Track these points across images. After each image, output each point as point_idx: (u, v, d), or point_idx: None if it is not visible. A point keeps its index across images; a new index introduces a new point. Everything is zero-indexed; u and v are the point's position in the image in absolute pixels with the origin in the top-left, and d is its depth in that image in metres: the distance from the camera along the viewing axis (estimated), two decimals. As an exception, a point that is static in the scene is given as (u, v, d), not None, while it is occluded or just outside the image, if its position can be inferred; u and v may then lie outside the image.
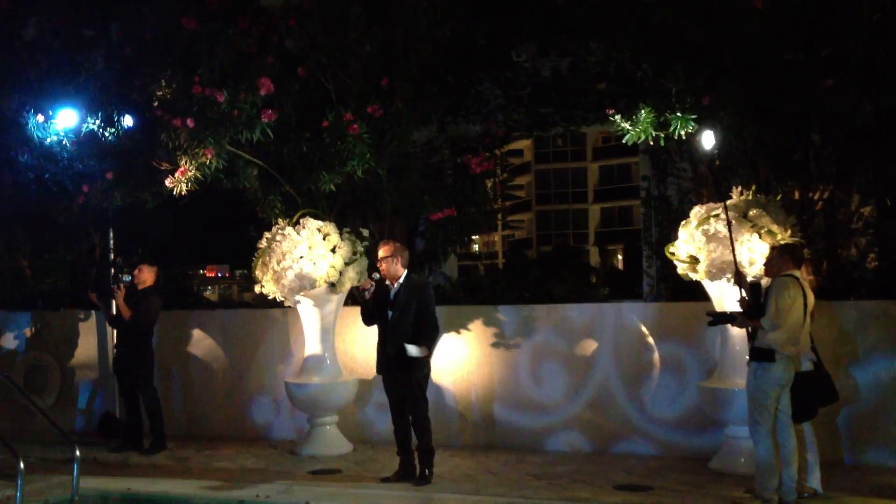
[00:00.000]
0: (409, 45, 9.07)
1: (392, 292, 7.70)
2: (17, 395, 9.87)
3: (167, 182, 8.82)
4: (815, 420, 6.96)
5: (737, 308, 6.87)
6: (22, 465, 6.78)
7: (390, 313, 7.66)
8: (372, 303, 7.73)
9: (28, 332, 11.06)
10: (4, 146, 10.06)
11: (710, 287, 7.83)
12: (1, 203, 10.64)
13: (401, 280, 7.71)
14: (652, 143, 8.13)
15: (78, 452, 7.37)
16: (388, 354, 7.65)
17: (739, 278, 6.89)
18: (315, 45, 8.83)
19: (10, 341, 11.16)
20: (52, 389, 10.80)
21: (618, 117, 7.96)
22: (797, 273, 6.70)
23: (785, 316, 6.48)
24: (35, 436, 9.34)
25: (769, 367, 6.57)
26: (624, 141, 8.19)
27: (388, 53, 9.04)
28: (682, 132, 7.68)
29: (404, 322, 7.61)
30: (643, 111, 7.79)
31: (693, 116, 7.63)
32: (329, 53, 8.90)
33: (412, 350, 7.51)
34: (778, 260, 6.78)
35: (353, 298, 9.34)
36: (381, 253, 7.75)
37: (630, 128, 7.91)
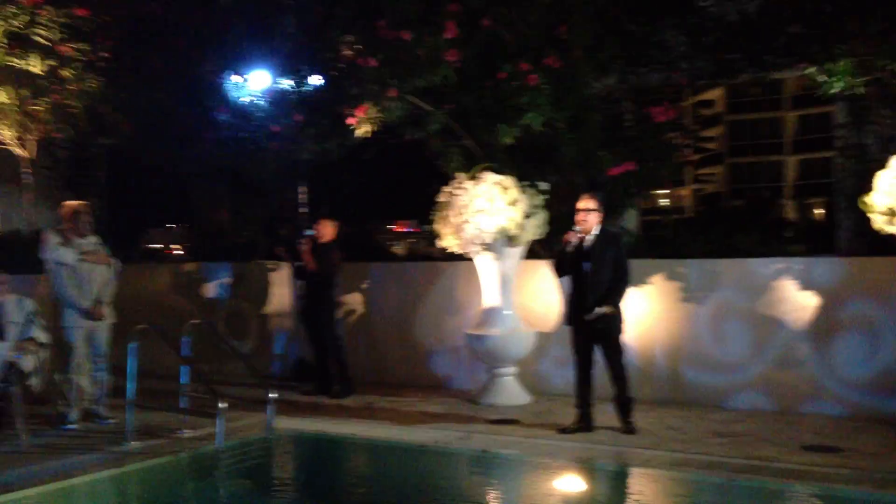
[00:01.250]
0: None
1: (587, 245, 7.69)
2: (218, 340, 10.57)
3: (349, 121, 9.00)
4: None
5: None
6: (222, 404, 7.30)
7: (587, 265, 7.65)
8: (568, 254, 7.75)
9: (227, 281, 11.76)
10: (205, 106, 10.68)
11: (909, 241, 7.34)
12: (203, 160, 11.33)
13: (595, 232, 7.70)
14: (851, 93, 7.64)
15: (273, 395, 7.85)
16: (585, 306, 7.65)
17: None
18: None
19: (212, 290, 11.91)
20: (251, 336, 11.47)
21: (812, 69, 7.51)
22: None
23: None
24: (235, 378, 9.96)
25: None
26: (821, 94, 7.75)
27: (565, 2, 8.89)
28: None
29: (602, 274, 7.63)
30: (841, 62, 7.31)
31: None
32: (508, 3, 8.85)
33: (599, 310, 7.53)
34: None
35: (532, 252, 9.37)
36: (584, 204, 7.72)
37: (826, 78, 7.46)
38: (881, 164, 7.68)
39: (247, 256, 11.87)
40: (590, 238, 7.70)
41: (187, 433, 7.86)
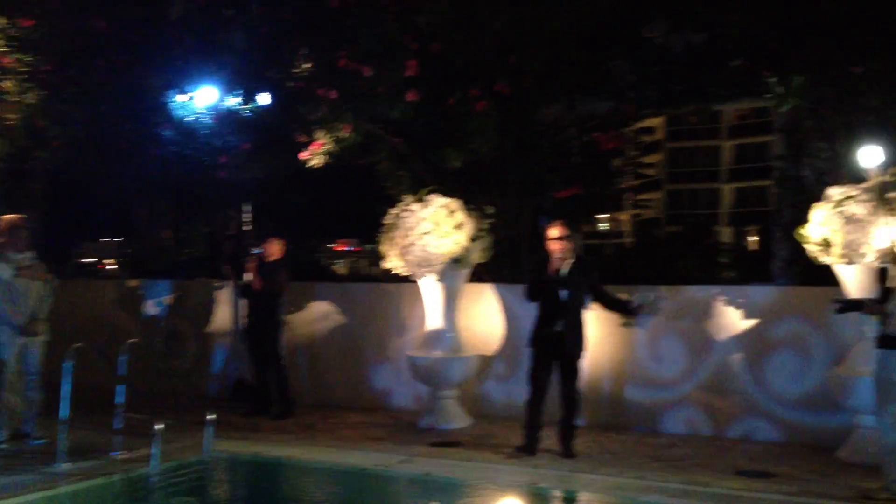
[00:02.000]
0: (538, 22, 9.01)
1: (562, 272, 7.78)
2: (156, 359, 10.41)
3: (302, 155, 9.06)
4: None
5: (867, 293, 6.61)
6: (158, 425, 7.17)
7: (563, 293, 7.75)
8: (543, 280, 7.83)
9: (168, 299, 11.59)
10: (149, 122, 10.55)
11: (842, 271, 7.54)
12: (146, 176, 11.18)
13: (571, 260, 7.80)
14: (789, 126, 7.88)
15: (211, 416, 7.74)
16: (556, 331, 7.75)
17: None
18: (445, 22, 8.87)
19: (151, 308, 11.71)
20: (189, 355, 11.29)
21: (772, 80, 7.73)
22: None
23: None
24: (171, 398, 9.80)
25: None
26: (774, 106, 7.96)
27: (517, 30, 9.01)
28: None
29: (579, 300, 7.80)
30: (795, 79, 7.55)
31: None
32: (459, 31, 8.93)
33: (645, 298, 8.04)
34: None
35: (476, 275, 9.42)
36: (558, 233, 7.80)
37: (781, 90, 7.68)
38: (817, 197, 7.89)
39: (189, 274, 11.72)
40: (567, 265, 7.79)
41: (122, 454, 7.69)
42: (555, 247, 7.78)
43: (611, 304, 8.07)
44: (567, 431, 7.88)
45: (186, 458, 7.73)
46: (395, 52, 8.61)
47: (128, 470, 7.26)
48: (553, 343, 7.81)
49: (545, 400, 7.90)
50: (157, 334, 11.31)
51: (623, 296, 8.09)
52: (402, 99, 8.66)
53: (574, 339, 7.81)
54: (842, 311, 6.87)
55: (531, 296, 7.98)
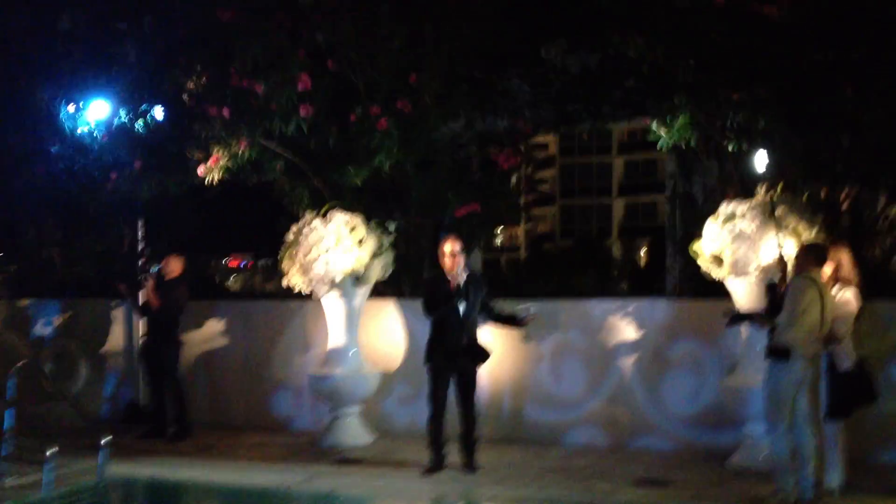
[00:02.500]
0: (437, 41, 9.11)
1: (458, 285, 7.82)
2: (43, 381, 10.03)
3: (199, 171, 8.93)
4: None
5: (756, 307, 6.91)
6: (50, 450, 6.93)
7: (462, 306, 7.79)
8: (439, 294, 7.86)
9: (56, 320, 11.23)
10: (36, 137, 10.20)
11: (733, 286, 7.84)
12: (32, 193, 10.78)
13: (464, 274, 7.85)
14: (685, 147, 8.16)
15: (106, 439, 7.52)
16: (458, 345, 7.79)
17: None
18: (344, 40, 8.88)
19: (39, 328, 11.33)
20: (79, 377, 10.95)
21: (654, 123, 8.00)
22: (815, 273, 6.70)
23: (801, 316, 6.49)
24: (61, 422, 9.48)
25: (785, 366, 6.58)
26: (659, 147, 8.25)
27: (416, 49, 9.08)
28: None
29: (475, 313, 7.88)
30: (680, 117, 7.81)
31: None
32: (358, 48, 8.95)
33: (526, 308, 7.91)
34: (801, 259, 6.78)
35: (378, 291, 9.42)
36: (452, 247, 7.85)
37: (664, 134, 7.96)
38: (709, 213, 8.19)
39: (78, 293, 11.36)
40: (461, 279, 7.84)
41: (11, 481, 7.42)
42: (449, 262, 7.85)
43: (500, 318, 8.15)
44: (469, 445, 7.93)
45: (81, 482, 7.51)
46: (286, 65, 8.56)
47: (19, 498, 7.01)
48: (451, 358, 7.85)
49: (446, 415, 7.94)
50: (44, 356, 10.92)
51: (508, 309, 8.14)
52: (296, 114, 8.61)
53: (473, 353, 7.88)
54: (732, 323, 7.15)
55: (429, 310, 8.02)
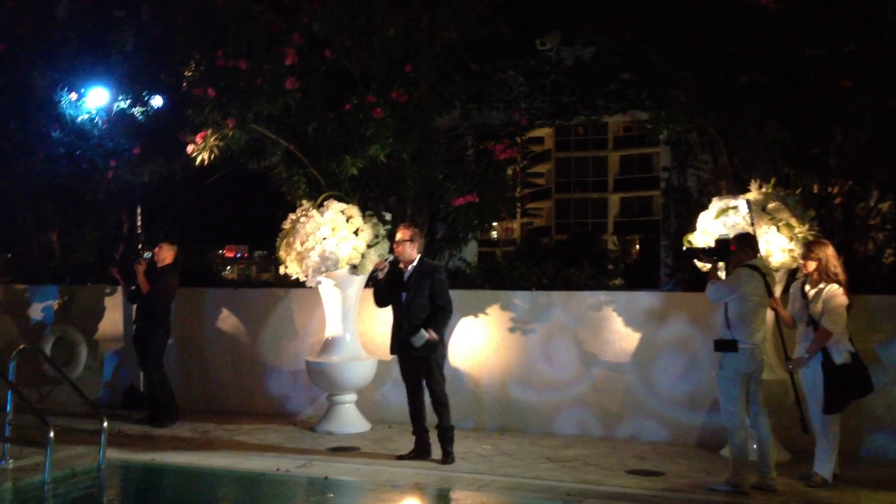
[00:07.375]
0: (433, 31, 9.16)
1: (406, 275, 7.88)
2: (44, 365, 10.10)
3: (188, 149, 8.88)
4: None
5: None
6: (51, 433, 7.00)
7: (404, 295, 7.83)
8: (385, 284, 7.92)
9: (56, 305, 11.27)
10: (37, 122, 10.26)
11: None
12: (32, 178, 10.84)
13: (414, 263, 7.89)
14: (674, 138, 8.25)
15: (105, 423, 7.59)
16: (403, 336, 7.82)
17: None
18: (340, 28, 8.93)
19: (38, 314, 11.37)
20: (78, 362, 11.00)
21: (645, 115, 8.09)
22: (758, 262, 6.87)
23: (752, 312, 6.76)
24: (60, 406, 9.55)
25: (732, 358, 6.79)
26: (646, 141, 8.35)
27: (412, 39, 9.14)
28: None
29: (418, 304, 7.80)
30: (664, 111, 7.90)
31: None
32: (353, 37, 9.00)
33: (418, 339, 7.66)
34: (738, 251, 6.94)
35: (374, 280, 9.49)
36: (399, 236, 7.92)
37: (658, 126, 8.05)
38: (702, 206, 8.28)
39: (77, 279, 11.41)
40: (410, 268, 7.90)
41: (11, 463, 7.49)
42: (398, 249, 7.90)
43: (431, 314, 7.80)
44: (443, 436, 7.87)
45: (80, 466, 7.58)
46: (275, 44, 8.58)
47: (19, 479, 7.08)
48: (401, 346, 7.88)
49: (423, 402, 7.99)
50: (45, 341, 10.98)
51: (434, 316, 7.82)
52: (282, 89, 8.61)
53: (413, 341, 7.73)
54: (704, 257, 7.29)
55: (377, 301, 8.10)
